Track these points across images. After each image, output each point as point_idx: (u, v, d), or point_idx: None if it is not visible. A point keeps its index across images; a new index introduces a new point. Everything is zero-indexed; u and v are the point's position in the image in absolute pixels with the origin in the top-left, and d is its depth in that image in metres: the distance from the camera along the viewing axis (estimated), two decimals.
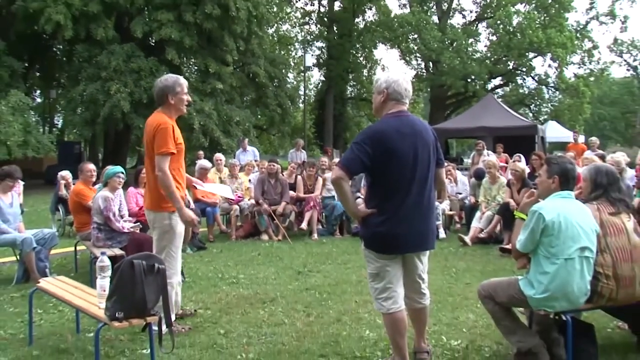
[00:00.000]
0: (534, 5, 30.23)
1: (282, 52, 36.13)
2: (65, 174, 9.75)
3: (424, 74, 34.69)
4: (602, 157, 8.48)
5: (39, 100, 32.91)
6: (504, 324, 3.69)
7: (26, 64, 23.43)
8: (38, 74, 27.98)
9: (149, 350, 3.71)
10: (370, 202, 3.51)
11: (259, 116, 29.20)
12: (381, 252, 3.47)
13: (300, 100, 34.95)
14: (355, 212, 3.64)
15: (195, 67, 25.44)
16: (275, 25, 36.12)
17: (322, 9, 36.83)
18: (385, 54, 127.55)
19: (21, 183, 7.89)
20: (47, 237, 6.52)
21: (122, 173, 6.35)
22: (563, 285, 3.39)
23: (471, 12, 34.24)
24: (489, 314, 3.83)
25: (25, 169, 8.47)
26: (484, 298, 3.78)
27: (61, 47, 24.93)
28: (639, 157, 8.77)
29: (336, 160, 11.17)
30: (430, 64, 33.02)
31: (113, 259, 4.68)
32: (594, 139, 12.91)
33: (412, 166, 3.39)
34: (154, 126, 4.26)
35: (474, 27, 33.19)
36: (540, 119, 32.56)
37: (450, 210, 10.06)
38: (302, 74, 35.40)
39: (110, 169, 6.40)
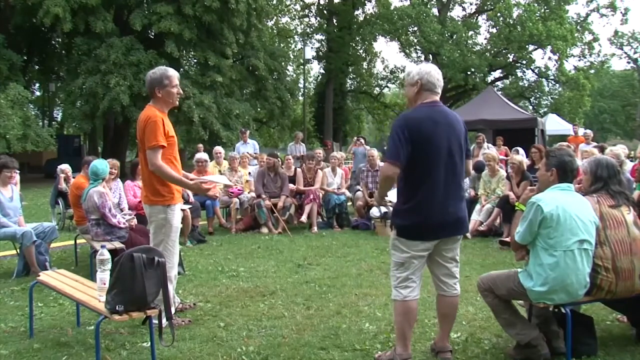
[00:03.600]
0: None
1: (282, 45, 36.06)
2: (65, 167, 9.74)
3: None
4: (602, 149, 8.49)
5: (38, 93, 32.87)
6: (503, 317, 3.71)
7: (25, 57, 23.37)
8: (37, 67, 27.92)
9: (149, 344, 3.72)
10: (404, 190, 3.52)
11: (259, 109, 29.17)
12: (418, 240, 3.47)
13: (300, 93, 34.94)
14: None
15: (195, 60, 25.40)
16: (275, 17, 36.05)
17: (321, 2, 36.74)
18: (385, 46, 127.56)
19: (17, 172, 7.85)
20: (47, 231, 6.52)
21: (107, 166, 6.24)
22: (562, 278, 3.40)
23: (471, 4, 34.20)
24: (489, 307, 3.85)
25: (24, 163, 8.46)
26: (483, 291, 3.79)
27: (60, 40, 24.90)
28: (638, 150, 8.77)
29: (336, 153, 11.18)
30: (430, 56, 32.93)
31: (113, 252, 4.68)
32: (588, 131, 13.20)
33: (446, 155, 3.45)
34: (144, 120, 4.25)
35: (474, 20, 33.12)
36: (540, 111, 32.54)
37: None
38: (302, 67, 35.39)
39: (100, 165, 6.05)
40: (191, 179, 4.57)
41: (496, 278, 3.75)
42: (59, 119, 32.96)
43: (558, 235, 3.40)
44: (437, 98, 3.60)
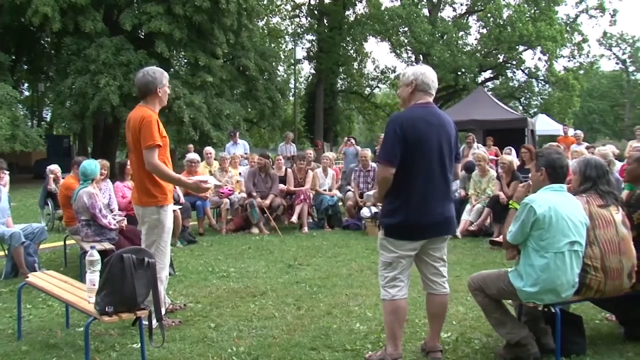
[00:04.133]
0: None
1: (273, 45, 35.97)
2: (54, 167, 9.67)
3: None
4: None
5: (27, 93, 32.64)
6: (494, 316, 3.73)
7: (13, 57, 23.17)
8: (26, 66, 27.71)
9: (139, 345, 3.70)
10: (393, 190, 3.51)
11: (249, 109, 29.09)
12: (406, 240, 3.49)
13: (291, 94, 34.89)
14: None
15: (185, 60, 25.29)
16: (266, 17, 35.96)
17: (312, 2, 36.70)
18: (375, 47, 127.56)
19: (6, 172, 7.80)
20: (36, 232, 6.47)
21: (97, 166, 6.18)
22: (552, 279, 3.42)
23: (462, 5, 34.31)
24: (479, 306, 3.86)
25: (13, 163, 8.41)
26: (474, 290, 3.81)
27: (49, 39, 24.67)
28: (627, 151, 8.83)
29: (327, 153, 11.18)
30: (421, 57, 33.00)
31: (103, 253, 4.66)
32: (578, 132, 13.36)
33: (437, 156, 3.48)
34: (139, 120, 4.23)
35: (465, 20, 33.25)
36: (530, 112, 32.76)
37: None
38: (293, 67, 35.34)
39: (89, 166, 5.99)
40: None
41: (486, 277, 3.77)
42: (48, 119, 32.76)
43: (550, 237, 3.42)
44: (431, 99, 3.63)
